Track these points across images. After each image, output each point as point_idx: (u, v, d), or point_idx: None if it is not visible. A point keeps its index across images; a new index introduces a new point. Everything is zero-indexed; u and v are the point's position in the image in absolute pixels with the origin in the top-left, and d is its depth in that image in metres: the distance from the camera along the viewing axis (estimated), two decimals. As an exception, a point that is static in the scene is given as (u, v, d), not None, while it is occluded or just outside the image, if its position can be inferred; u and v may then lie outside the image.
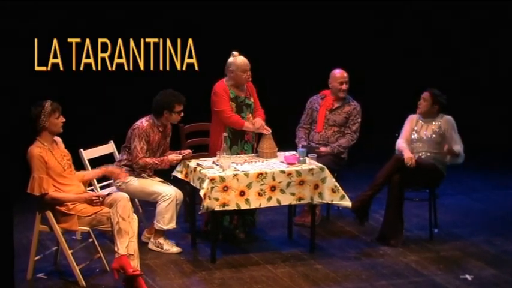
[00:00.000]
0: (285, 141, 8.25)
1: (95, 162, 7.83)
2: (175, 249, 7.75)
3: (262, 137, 7.89)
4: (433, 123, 8.13)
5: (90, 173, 7.49)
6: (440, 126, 8.10)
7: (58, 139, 7.17)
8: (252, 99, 8.07)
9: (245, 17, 10.77)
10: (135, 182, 7.73)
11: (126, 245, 6.83)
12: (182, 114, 7.82)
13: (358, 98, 8.72)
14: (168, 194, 7.65)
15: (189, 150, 7.92)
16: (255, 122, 7.92)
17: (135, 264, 6.84)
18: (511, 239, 8.16)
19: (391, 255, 7.75)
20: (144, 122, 7.75)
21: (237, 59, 7.92)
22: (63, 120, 7.05)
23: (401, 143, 8.11)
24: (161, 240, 7.74)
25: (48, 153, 6.95)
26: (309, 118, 8.64)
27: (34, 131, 7.00)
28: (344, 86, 8.51)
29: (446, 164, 8.10)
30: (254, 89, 8.15)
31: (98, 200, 7.00)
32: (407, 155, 7.90)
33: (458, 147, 8.05)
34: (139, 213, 8.04)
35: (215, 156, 7.80)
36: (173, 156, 7.78)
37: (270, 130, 7.88)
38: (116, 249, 6.85)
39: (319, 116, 8.56)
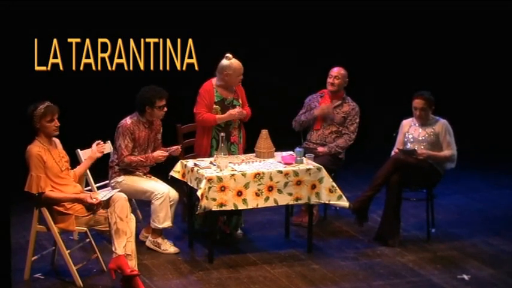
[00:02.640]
0: (282, 142, 8.26)
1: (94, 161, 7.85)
2: (172, 249, 7.76)
3: (260, 137, 7.90)
4: (428, 128, 8.12)
5: (81, 166, 7.44)
6: (435, 129, 8.10)
7: (57, 141, 7.20)
8: (240, 101, 8.09)
9: (245, 17, 10.77)
10: (128, 181, 7.74)
11: (124, 245, 6.85)
12: (165, 109, 7.80)
13: (356, 97, 8.73)
14: (160, 192, 7.66)
15: (177, 147, 7.92)
16: (231, 112, 7.94)
17: (132, 264, 6.86)
18: (508, 239, 8.16)
19: (389, 255, 7.76)
20: (128, 120, 7.77)
21: (234, 63, 7.94)
22: (57, 124, 7.03)
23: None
24: (159, 240, 7.76)
25: (47, 153, 6.98)
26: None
27: (33, 130, 7.03)
28: (332, 80, 8.53)
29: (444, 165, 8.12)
30: (243, 90, 8.17)
31: (93, 202, 7.01)
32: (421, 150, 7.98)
33: (449, 152, 8.03)
34: (136, 213, 8.08)
35: (200, 157, 7.83)
36: (159, 153, 7.78)
37: (242, 111, 7.97)
38: (113, 249, 6.86)
39: (317, 113, 8.60)
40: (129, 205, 7.03)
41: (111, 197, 7.04)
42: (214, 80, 8.07)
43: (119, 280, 6.87)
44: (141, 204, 8.24)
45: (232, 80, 7.97)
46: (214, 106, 7.97)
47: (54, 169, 7.00)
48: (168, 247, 7.76)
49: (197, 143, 8.16)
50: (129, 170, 7.79)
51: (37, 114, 6.95)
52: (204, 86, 8.05)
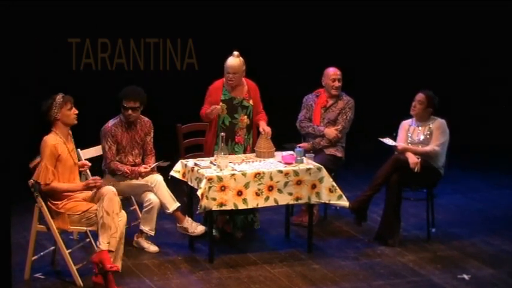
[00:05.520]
0: (283, 141, 8.27)
1: (92, 162, 7.83)
2: (152, 248, 7.78)
3: (260, 137, 7.90)
4: (425, 126, 8.12)
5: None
6: (431, 128, 8.10)
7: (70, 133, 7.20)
8: (251, 102, 8.05)
9: (245, 17, 10.77)
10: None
11: (109, 240, 6.82)
12: (130, 112, 7.66)
13: (355, 96, 8.70)
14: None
15: (167, 163, 7.89)
16: (215, 107, 7.82)
17: (115, 262, 6.87)
18: (508, 239, 8.16)
19: (389, 255, 7.76)
20: (109, 123, 7.75)
21: (228, 59, 7.90)
22: (76, 112, 7.06)
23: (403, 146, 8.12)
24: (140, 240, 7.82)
25: (62, 146, 6.97)
26: (308, 114, 8.62)
27: (47, 124, 7.01)
28: (336, 83, 8.50)
29: (443, 164, 8.10)
30: (258, 92, 8.10)
31: (94, 184, 7.01)
32: (412, 160, 7.90)
33: (430, 147, 7.98)
34: (136, 212, 8.14)
35: (209, 155, 7.82)
36: (142, 169, 7.72)
37: (219, 108, 7.83)
38: (98, 243, 6.85)
39: (315, 113, 8.56)
40: (118, 200, 6.98)
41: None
42: (225, 79, 7.99)
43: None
44: (140, 204, 8.23)
45: (224, 76, 7.95)
46: (221, 104, 7.92)
47: (68, 162, 7.00)
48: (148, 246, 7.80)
49: (206, 138, 8.14)
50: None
51: (57, 104, 6.95)
52: (213, 83, 8.02)
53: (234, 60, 7.87)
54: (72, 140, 7.18)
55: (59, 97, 6.99)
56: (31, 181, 6.95)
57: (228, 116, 7.94)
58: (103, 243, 6.82)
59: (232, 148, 7.96)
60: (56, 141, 6.95)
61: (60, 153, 6.94)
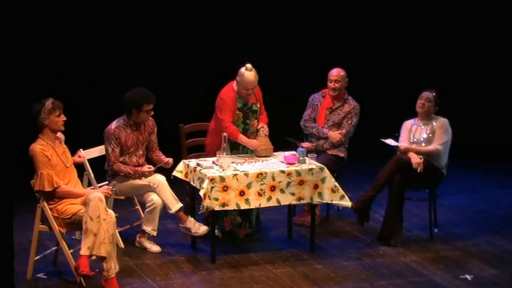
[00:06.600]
0: (286, 141, 8.26)
1: (95, 162, 7.83)
2: (155, 248, 7.79)
3: (258, 134, 7.88)
4: (428, 125, 8.12)
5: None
6: (434, 126, 8.09)
7: (61, 135, 7.17)
8: (258, 105, 8.00)
9: (248, 16, 10.76)
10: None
11: (89, 246, 6.75)
12: (152, 113, 7.71)
13: (358, 97, 8.69)
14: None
15: (168, 160, 7.85)
16: (252, 142, 7.83)
17: (109, 266, 6.80)
18: (511, 239, 8.15)
19: (391, 255, 7.76)
20: (113, 125, 7.72)
21: (245, 74, 7.73)
22: (64, 118, 7.05)
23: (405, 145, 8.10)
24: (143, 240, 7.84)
25: (51, 150, 6.97)
26: (313, 114, 8.60)
27: (36, 128, 7.02)
28: (333, 84, 8.47)
29: (445, 164, 8.10)
30: (260, 93, 8.05)
31: (108, 193, 7.09)
32: (415, 160, 7.90)
33: (432, 146, 7.99)
34: (138, 211, 8.15)
35: (211, 155, 7.81)
36: (145, 169, 7.71)
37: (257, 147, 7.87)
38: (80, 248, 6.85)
39: (319, 114, 8.55)
40: (104, 206, 6.90)
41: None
42: (234, 85, 7.87)
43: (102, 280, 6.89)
44: (142, 205, 8.22)
45: (240, 90, 7.81)
46: (237, 112, 7.86)
47: (59, 166, 6.98)
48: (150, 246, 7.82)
49: (209, 141, 8.07)
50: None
51: (46, 110, 6.94)
52: (226, 91, 7.84)
53: (252, 76, 7.74)
54: (62, 143, 7.18)
55: (49, 103, 6.97)
56: (34, 181, 6.95)
57: (242, 123, 7.91)
58: (83, 248, 6.76)
59: (246, 151, 7.93)
60: (42, 146, 6.94)
61: (50, 158, 6.93)
